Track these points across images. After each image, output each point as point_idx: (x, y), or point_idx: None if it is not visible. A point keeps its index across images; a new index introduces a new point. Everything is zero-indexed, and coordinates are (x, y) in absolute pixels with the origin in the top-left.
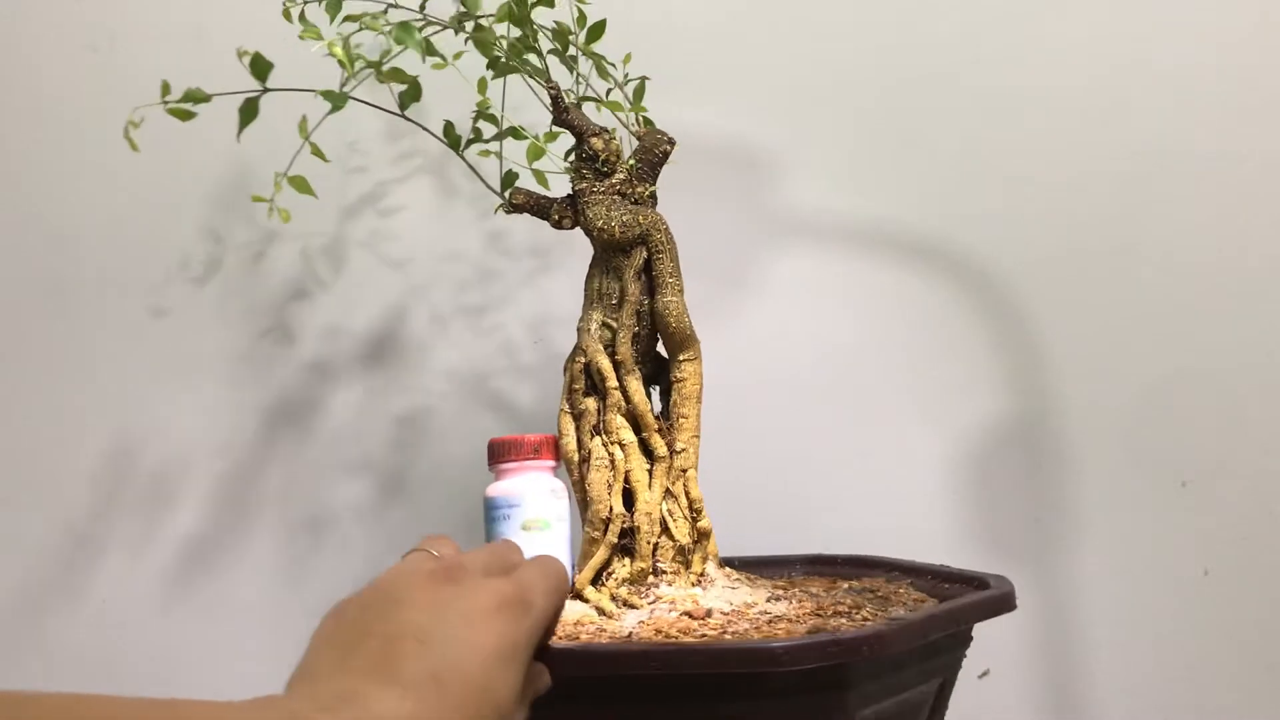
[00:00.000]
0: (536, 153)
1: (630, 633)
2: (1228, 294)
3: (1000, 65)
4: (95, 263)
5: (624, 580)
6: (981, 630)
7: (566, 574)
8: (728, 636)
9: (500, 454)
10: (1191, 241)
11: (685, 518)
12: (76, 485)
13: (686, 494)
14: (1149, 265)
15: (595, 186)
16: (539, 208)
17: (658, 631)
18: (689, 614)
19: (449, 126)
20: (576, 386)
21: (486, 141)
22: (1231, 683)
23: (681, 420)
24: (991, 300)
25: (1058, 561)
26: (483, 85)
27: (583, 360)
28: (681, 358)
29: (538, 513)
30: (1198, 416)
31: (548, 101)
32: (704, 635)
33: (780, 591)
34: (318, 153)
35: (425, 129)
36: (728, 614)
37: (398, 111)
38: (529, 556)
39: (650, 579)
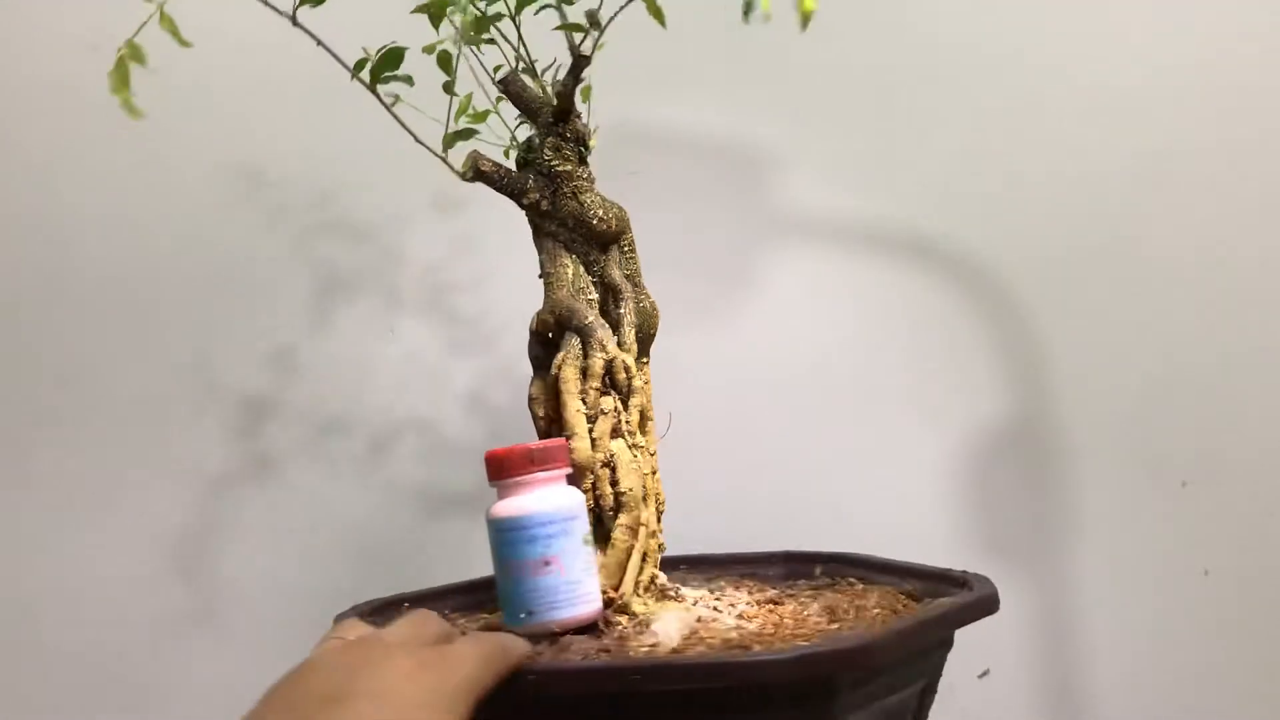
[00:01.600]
0: (476, 115)
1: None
2: (1228, 294)
3: (1000, 65)
4: (96, 262)
5: (647, 588)
6: (982, 630)
7: (503, 649)
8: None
9: (529, 463)
10: (1192, 241)
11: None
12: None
13: (657, 497)
14: (1149, 265)
15: (579, 172)
16: (507, 182)
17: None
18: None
19: (362, 61)
20: (595, 385)
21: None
22: (1231, 683)
23: (649, 422)
24: (991, 300)
25: (1058, 561)
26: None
27: (602, 358)
28: (644, 359)
29: (588, 524)
30: (1198, 416)
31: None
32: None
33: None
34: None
35: (331, 52)
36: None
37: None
38: (588, 570)
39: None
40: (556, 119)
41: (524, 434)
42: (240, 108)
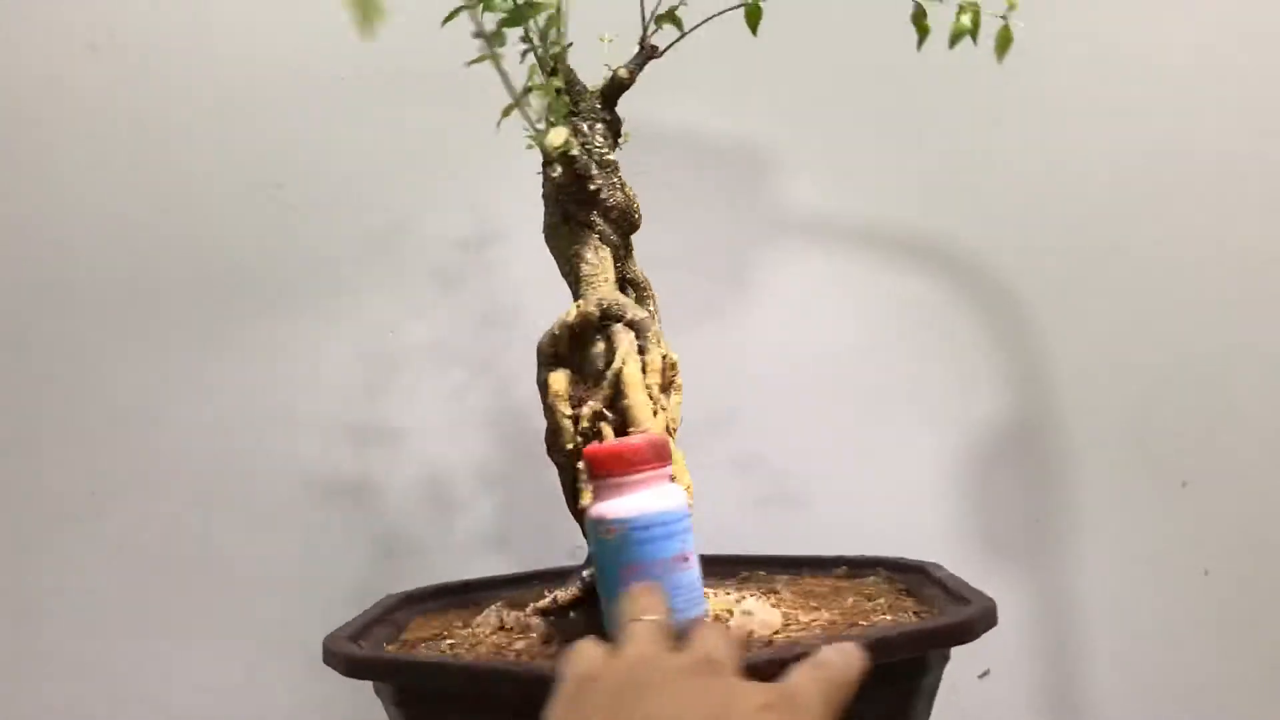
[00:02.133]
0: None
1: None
2: (1228, 294)
3: (1001, 65)
4: (96, 262)
5: None
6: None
7: (844, 674)
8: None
9: (656, 459)
10: (1192, 242)
11: None
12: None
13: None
14: (1149, 265)
15: (615, 164)
16: (583, 165)
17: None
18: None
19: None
20: (656, 381)
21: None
22: (1231, 683)
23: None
24: (992, 301)
25: (1058, 561)
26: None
27: (660, 353)
28: None
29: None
30: (1198, 416)
31: None
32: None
33: None
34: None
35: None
36: None
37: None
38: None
39: None
40: (604, 105)
41: (524, 433)
42: (242, 106)
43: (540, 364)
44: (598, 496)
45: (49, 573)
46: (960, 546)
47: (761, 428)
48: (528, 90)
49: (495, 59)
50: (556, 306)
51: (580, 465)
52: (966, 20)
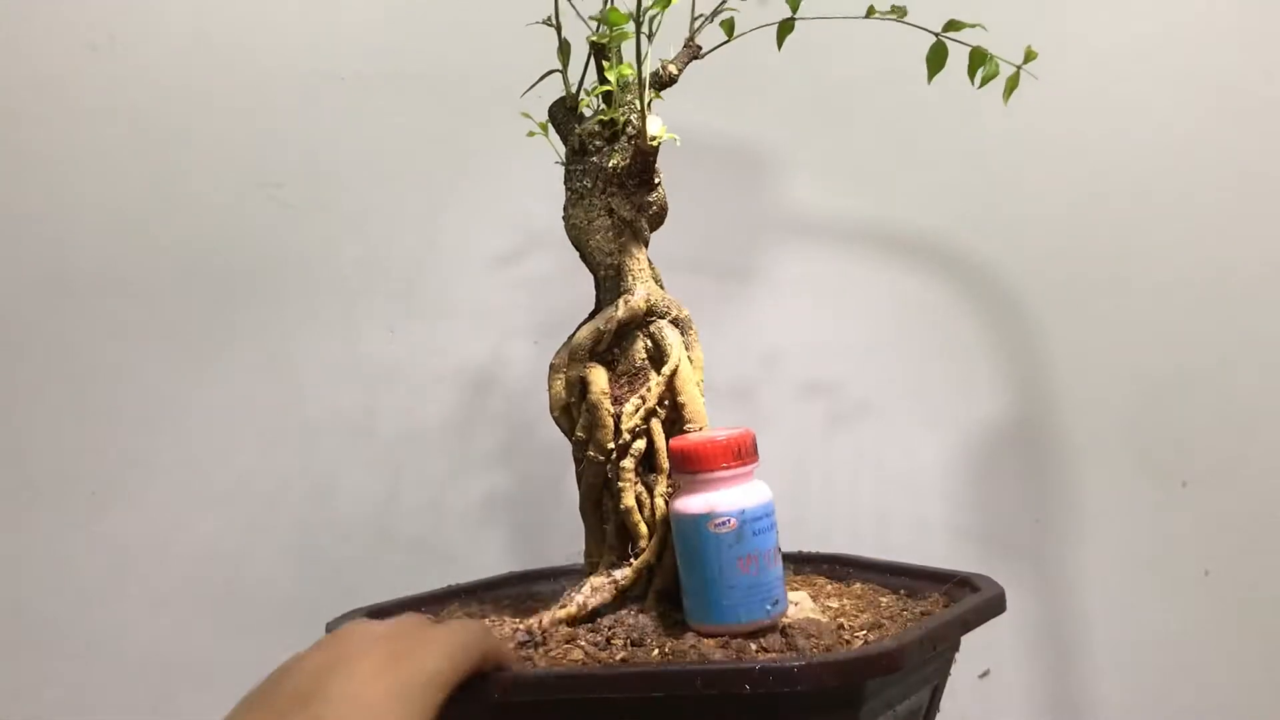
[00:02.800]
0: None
1: None
2: (1228, 294)
3: (1000, 65)
4: (96, 262)
5: None
6: (982, 631)
7: (478, 637)
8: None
9: (753, 452)
10: (1192, 242)
11: None
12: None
13: None
14: (1150, 265)
15: None
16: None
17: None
18: None
19: None
20: (701, 379)
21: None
22: (1231, 683)
23: None
24: (992, 300)
25: (1058, 561)
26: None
27: (700, 353)
28: None
29: None
30: (1198, 416)
31: None
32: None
33: None
34: None
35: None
36: None
37: None
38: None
39: None
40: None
41: (526, 438)
42: (242, 106)
43: (575, 360)
44: (696, 490)
45: (49, 573)
46: (960, 546)
47: (762, 427)
48: (604, 80)
49: (563, 55)
50: (557, 307)
51: (667, 461)
52: (993, 66)
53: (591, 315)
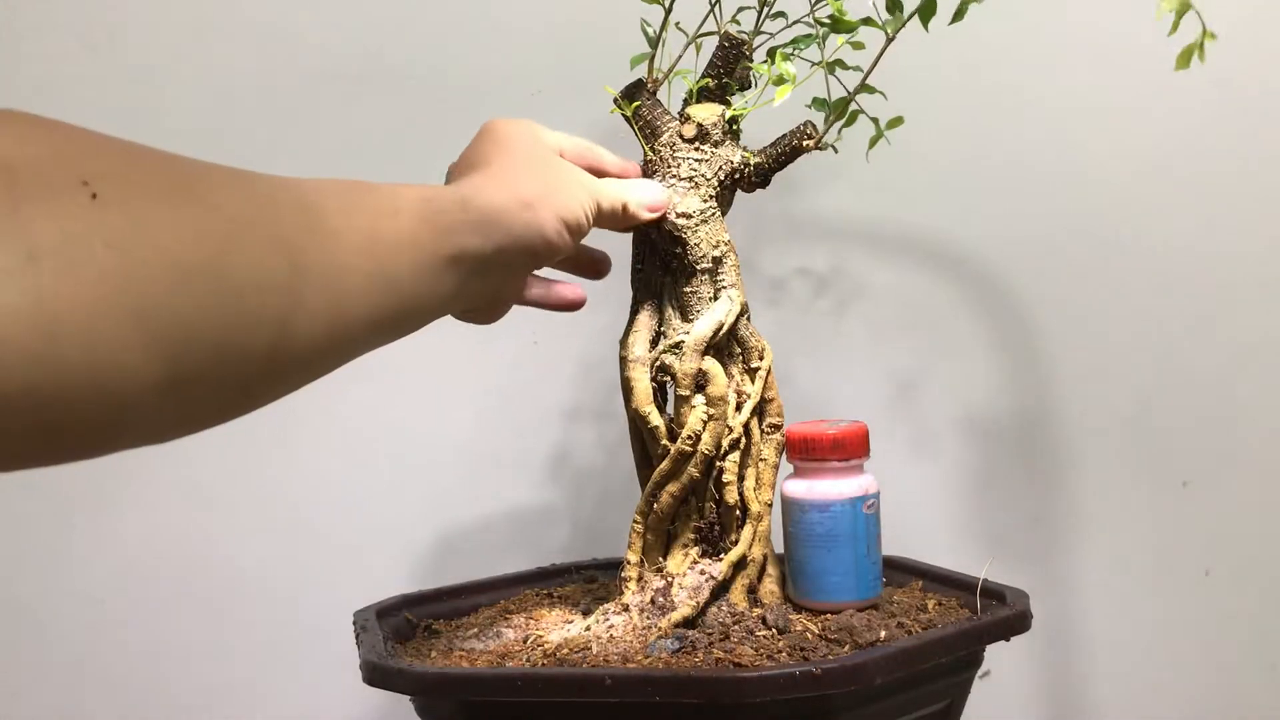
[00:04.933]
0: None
1: None
2: (1228, 294)
3: (1001, 64)
4: None
5: None
6: None
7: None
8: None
9: (862, 447)
10: (1192, 241)
11: None
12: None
13: None
14: (1150, 264)
15: None
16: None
17: None
18: None
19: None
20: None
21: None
22: (1232, 683)
23: None
24: (991, 300)
25: (1058, 562)
26: None
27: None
28: None
29: None
30: (1198, 416)
31: None
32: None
33: None
34: None
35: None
36: None
37: None
38: None
39: None
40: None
41: (520, 435)
42: (242, 106)
43: (694, 353)
44: (847, 475)
45: (49, 573)
46: (960, 546)
47: None
48: (725, 75)
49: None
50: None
51: (787, 448)
52: None
53: (634, 310)
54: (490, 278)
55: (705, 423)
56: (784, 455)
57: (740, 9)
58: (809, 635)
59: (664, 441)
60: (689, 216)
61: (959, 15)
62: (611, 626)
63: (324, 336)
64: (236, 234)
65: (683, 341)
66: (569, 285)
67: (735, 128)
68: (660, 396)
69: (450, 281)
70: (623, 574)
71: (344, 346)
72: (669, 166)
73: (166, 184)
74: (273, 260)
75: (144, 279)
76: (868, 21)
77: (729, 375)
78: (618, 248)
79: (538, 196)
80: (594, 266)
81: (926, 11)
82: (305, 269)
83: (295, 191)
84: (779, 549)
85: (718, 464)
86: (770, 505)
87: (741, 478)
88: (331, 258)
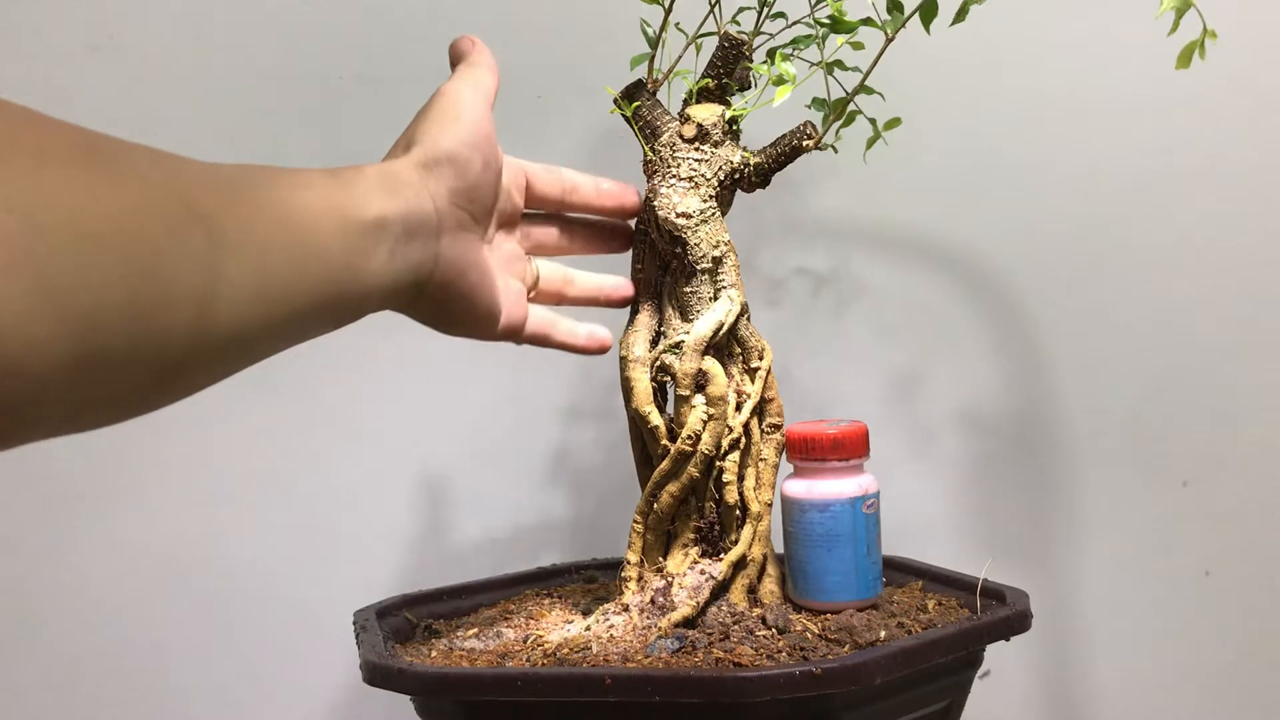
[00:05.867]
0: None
1: None
2: (1228, 294)
3: (1001, 65)
4: None
5: None
6: None
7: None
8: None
9: (862, 447)
10: (1192, 241)
11: None
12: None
13: None
14: (1150, 264)
15: None
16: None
17: None
18: None
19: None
20: None
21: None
22: (1232, 683)
23: None
24: (991, 299)
25: (1058, 561)
26: None
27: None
28: None
29: None
30: (1198, 416)
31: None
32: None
33: None
34: None
35: None
36: None
37: None
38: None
39: None
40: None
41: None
42: (242, 106)
43: (694, 353)
44: (846, 474)
45: (49, 573)
46: (960, 546)
47: None
48: (725, 75)
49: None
50: (558, 311)
51: (787, 448)
52: None
53: (634, 310)
54: (421, 241)
55: (705, 422)
56: (784, 455)
57: (740, 9)
58: (809, 635)
59: (664, 441)
60: (689, 216)
61: (960, 16)
62: (611, 626)
63: (252, 314)
64: (148, 202)
65: (683, 341)
66: (588, 327)
67: (735, 128)
68: (660, 396)
69: (381, 250)
70: (623, 574)
71: (278, 327)
72: (669, 166)
73: (73, 150)
74: (188, 230)
75: (49, 245)
76: (867, 22)
77: (729, 375)
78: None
79: (423, 137)
80: (610, 233)
81: (927, 12)
82: (223, 240)
83: (209, 168)
84: (779, 549)
85: (718, 464)
86: (770, 505)
87: (741, 477)
88: (251, 230)
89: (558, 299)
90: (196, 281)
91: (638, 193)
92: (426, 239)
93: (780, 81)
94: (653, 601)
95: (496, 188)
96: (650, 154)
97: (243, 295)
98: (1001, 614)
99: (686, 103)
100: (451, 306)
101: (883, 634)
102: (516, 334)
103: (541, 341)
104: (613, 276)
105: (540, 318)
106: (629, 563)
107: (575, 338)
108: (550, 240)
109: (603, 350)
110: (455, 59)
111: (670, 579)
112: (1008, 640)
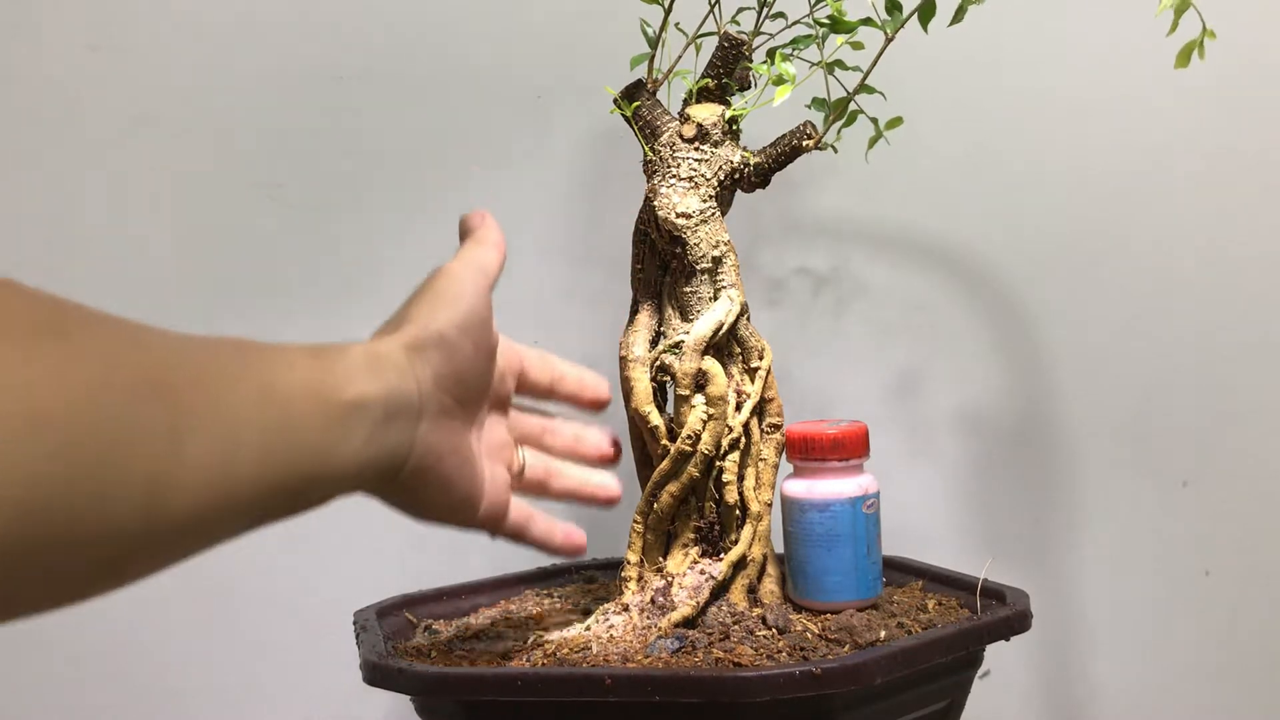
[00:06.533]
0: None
1: None
2: (1228, 294)
3: (1001, 64)
4: (95, 262)
5: None
6: None
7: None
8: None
9: (862, 447)
10: (1192, 241)
11: None
12: None
13: None
14: (1149, 265)
15: None
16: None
17: None
18: None
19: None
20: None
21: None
22: (1232, 683)
23: None
24: (991, 300)
25: (1058, 561)
26: None
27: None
28: None
29: None
30: (1198, 416)
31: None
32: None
33: None
34: None
35: None
36: None
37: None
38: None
39: None
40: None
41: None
42: (242, 106)
43: (694, 353)
44: (846, 474)
45: None
46: (960, 546)
47: None
48: (725, 75)
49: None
50: (557, 306)
51: (787, 448)
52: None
53: (634, 310)
54: (400, 424)
55: (705, 422)
56: (784, 455)
57: (740, 9)
58: (809, 635)
59: (664, 441)
60: (689, 216)
61: (959, 16)
62: (611, 626)
63: (212, 499)
64: (109, 381)
65: (682, 341)
66: (564, 526)
67: (735, 128)
68: (660, 396)
69: (358, 433)
70: (623, 574)
71: (238, 512)
72: (669, 166)
73: (28, 323)
74: (149, 410)
75: None
76: (867, 22)
77: (729, 375)
78: (617, 248)
79: (415, 316)
80: (587, 393)
81: (926, 12)
82: (189, 416)
83: (181, 339)
84: (779, 549)
85: (717, 464)
86: (770, 505)
87: (741, 477)
88: (220, 405)
89: (540, 491)
90: (153, 467)
91: (609, 388)
92: (406, 422)
93: (780, 81)
94: (653, 601)
95: (489, 373)
96: (650, 154)
97: (203, 479)
98: (1001, 614)
99: (686, 103)
100: (428, 492)
101: (883, 634)
102: (497, 524)
103: (518, 535)
104: (600, 474)
105: (519, 509)
106: (629, 563)
107: (551, 537)
108: (533, 434)
109: (578, 552)
110: (463, 234)
111: (670, 579)
112: (1008, 640)
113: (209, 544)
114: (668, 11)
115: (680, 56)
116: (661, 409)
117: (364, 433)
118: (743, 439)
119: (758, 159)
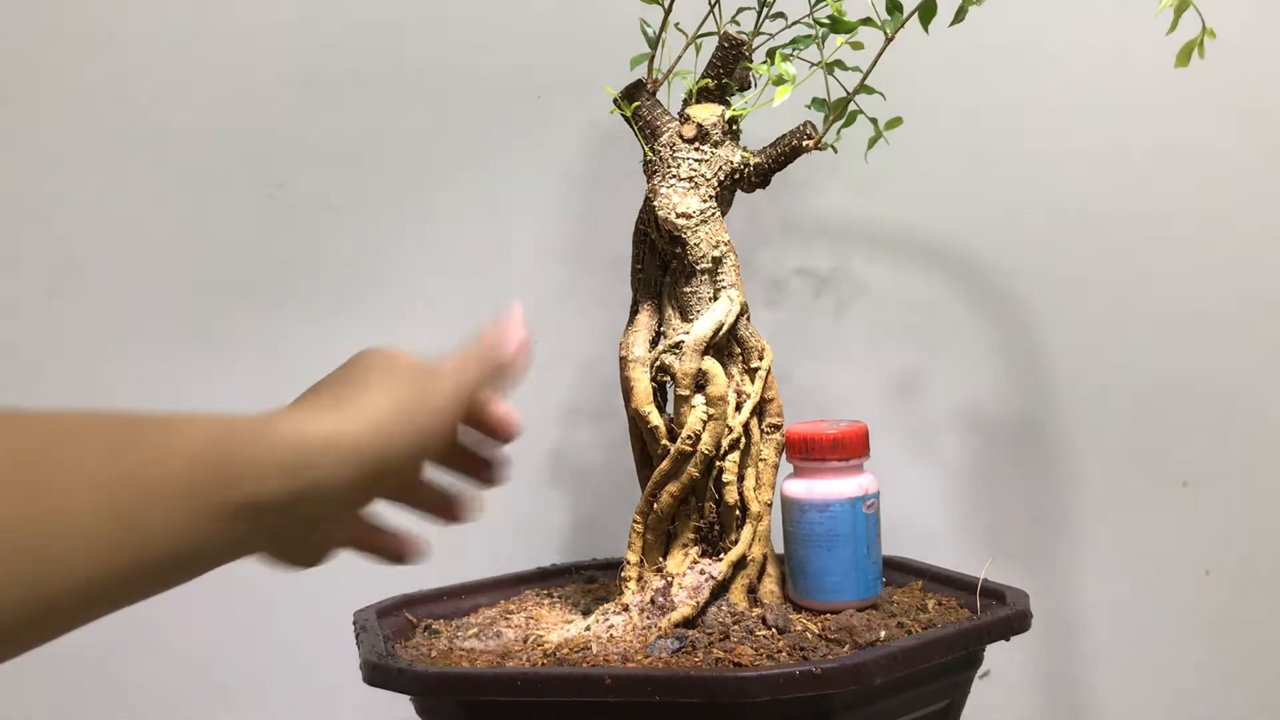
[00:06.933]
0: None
1: None
2: (1228, 294)
3: (1001, 64)
4: (95, 262)
5: None
6: None
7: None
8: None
9: (862, 447)
10: (1192, 241)
11: None
12: None
13: None
14: (1149, 265)
15: None
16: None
17: None
18: None
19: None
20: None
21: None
22: (1232, 683)
23: None
24: (991, 300)
25: (1058, 561)
26: None
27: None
28: None
29: None
30: (1198, 416)
31: None
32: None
33: None
34: None
35: None
36: None
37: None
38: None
39: None
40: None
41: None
42: (242, 106)
43: (694, 353)
44: (847, 474)
45: None
46: (960, 546)
47: None
48: (725, 75)
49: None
50: (558, 306)
51: (787, 448)
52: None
53: (634, 310)
54: (296, 526)
55: (705, 422)
56: (784, 455)
57: (740, 9)
58: (809, 635)
59: (664, 441)
60: (689, 216)
61: (959, 16)
62: (611, 626)
63: (22, 613)
64: None
65: (682, 341)
66: (402, 536)
67: (735, 128)
68: (660, 396)
69: (237, 531)
70: (623, 574)
71: (50, 621)
72: (669, 167)
73: None
74: None
75: None
76: (867, 22)
77: (729, 375)
78: (617, 248)
79: (365, 406)
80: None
81: (926, 13)
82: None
83: (22, 428)
84: (779, 549)
85: (717, 464)
86: (770, 505)
87: (741, 477)
88: (39, 515)
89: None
90: None
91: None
92: (300, 525)
93: (780, 81)
94: (653, 601)
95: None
96: (650, 154)
97: (14, 593)
98: (1001, 614)
99: (686, 103)
100: (296, 561)
101: (883, 634)
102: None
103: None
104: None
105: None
106: (629, 563)
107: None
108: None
109: (404, 558)
110: (479, 339)
111: (670, 579)
112: (1008, 640)
113: (35, 644)
114: (668, 11)
115: (680, 56)
116: (661, 409)
117: (244, 531)
118: (743, 439)
119: (758, 159)
